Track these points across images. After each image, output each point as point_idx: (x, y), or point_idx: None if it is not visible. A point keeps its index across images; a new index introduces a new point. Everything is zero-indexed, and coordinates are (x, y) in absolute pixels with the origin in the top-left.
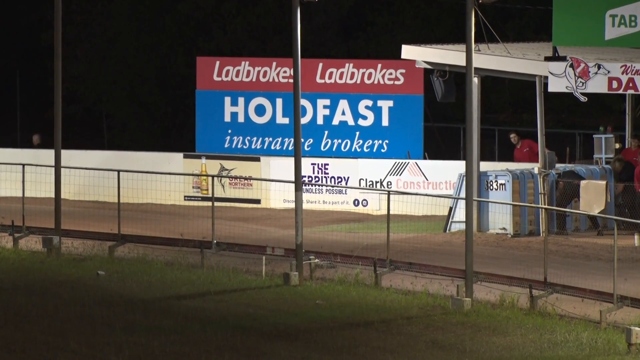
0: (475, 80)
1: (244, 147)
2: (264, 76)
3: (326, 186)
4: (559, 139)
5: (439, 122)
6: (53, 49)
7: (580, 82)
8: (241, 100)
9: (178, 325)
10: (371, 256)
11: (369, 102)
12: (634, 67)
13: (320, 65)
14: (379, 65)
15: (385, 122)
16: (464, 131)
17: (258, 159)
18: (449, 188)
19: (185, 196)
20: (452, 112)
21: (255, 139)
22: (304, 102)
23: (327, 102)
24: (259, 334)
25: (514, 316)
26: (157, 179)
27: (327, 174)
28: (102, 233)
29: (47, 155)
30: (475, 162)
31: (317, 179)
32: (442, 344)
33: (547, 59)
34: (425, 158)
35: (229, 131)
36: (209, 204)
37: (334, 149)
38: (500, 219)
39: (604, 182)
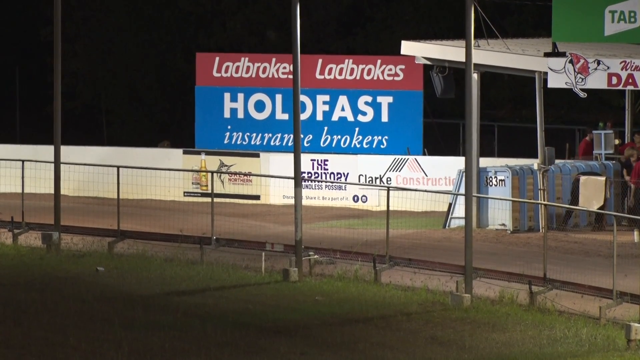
0: (475, 76)
1: (244, 143)
2: (264, 72)
3: (326, 182)
4: (559, 135)
5: (439, 118)
6: (52, 45)
7: (580, 78)
8: (241, 96)
9: (177, 321)
10: (370, 252)
11: (369, 98)
12: (634, 63)
13: (320, 61)
14: (379, 61)
15: (384, 118)
16: (463, 127)
17: (257, 155)
18: (449, 184)
19: (184, 192)
20: (452, 108)
21: (254, 135)
22: (303, 98)
23: (327, 98)
24: (259, 329)
25: (514, 312)
26: (157, 175)
27: (327, 170)
28: (101, 229)
29: (46, 151)
30: (475, 158)
31: (316, 175)
32: (442, 340)
33: (546, 54)
34: (424, 154)
35: (229, 127)
36: (209, 200)
37: (333, 145)
38: (499, 215)
39: (603, 178)
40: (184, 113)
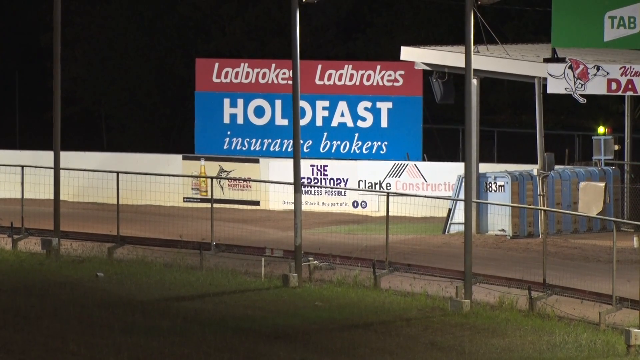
0: (475, 81)
1: (243, 148)
2: (263, 78)
3: (325, 188)
4: (558, 141)
5: (438, 124)
6: (52, 50)
7: (579, 83)
8: (240, 101)
9: (177, 326)
10: (370, 258)
11: (368, 104)
12: (633, 68)
13: (320, 66)
14: (378, 67)
15: (384, 123)
16: (463, 133)
17: (257, 161)
18: (448, 189)
19: (184, 198)
20: (451, 114)
21: (254, 140)
22: (303, 103)
23: (326, 103)
24: (258, 335)
25: (513, 318)
26: (156, 181)
27: (326, 175)
28: (101, 235)
29: (46, 157)
30: (474, 163)
31: (316, 180)
32: (441, 346)
33: (546, 60)
34: (424, 159)
35: (228, 133)
36: (208, 205)
37: (333, 151)
38: (499, 220)
39: (602, 184)
40: (184, 118)
